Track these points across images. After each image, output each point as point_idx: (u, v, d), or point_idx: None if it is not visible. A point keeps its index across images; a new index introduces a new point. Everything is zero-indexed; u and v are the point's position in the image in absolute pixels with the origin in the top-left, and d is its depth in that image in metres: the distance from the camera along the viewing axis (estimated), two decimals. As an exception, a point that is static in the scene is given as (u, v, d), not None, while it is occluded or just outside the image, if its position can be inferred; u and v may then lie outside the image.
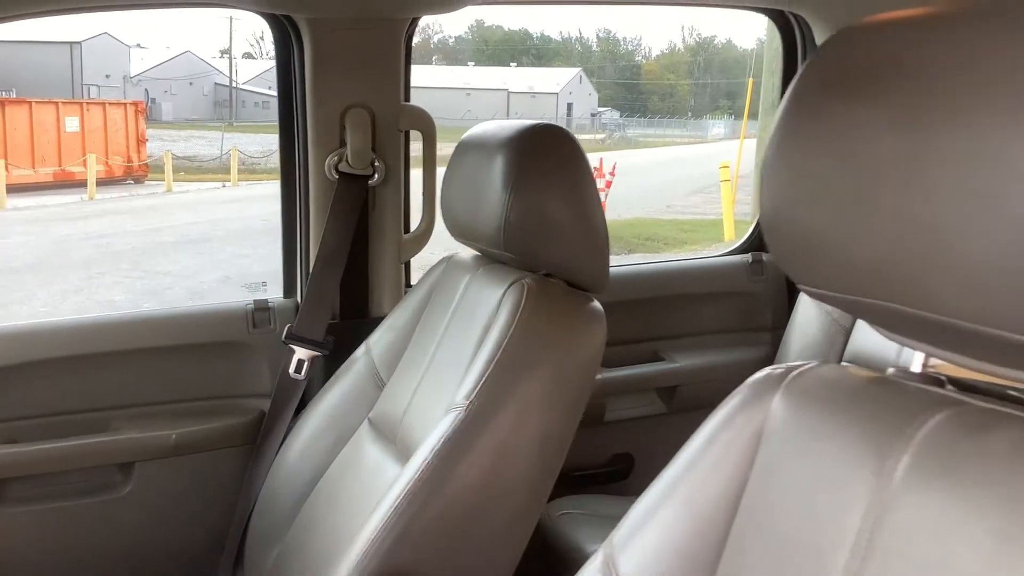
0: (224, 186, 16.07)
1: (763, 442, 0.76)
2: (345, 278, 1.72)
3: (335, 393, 1.59)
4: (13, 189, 13.36)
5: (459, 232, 1.48)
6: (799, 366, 0.78)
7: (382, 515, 1.22)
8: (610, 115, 43.90)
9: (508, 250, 1.34)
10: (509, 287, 1.34)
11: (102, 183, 15.12)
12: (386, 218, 1.76)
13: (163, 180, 15.66)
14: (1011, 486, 0.58)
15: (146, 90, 29.65)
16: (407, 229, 1.82)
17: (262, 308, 1.74)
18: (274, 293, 1.82)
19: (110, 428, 1.64)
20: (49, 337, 1.62)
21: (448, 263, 1.56)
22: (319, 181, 1.71)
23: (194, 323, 1.72)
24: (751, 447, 0.77)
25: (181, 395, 1.70)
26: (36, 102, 15.31)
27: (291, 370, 1.65)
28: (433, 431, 1.26)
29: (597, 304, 1.38)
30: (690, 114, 52.24)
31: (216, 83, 34.58)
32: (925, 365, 0.74)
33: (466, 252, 1.55)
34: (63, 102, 16.14)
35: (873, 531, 0.64)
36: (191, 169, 17.48)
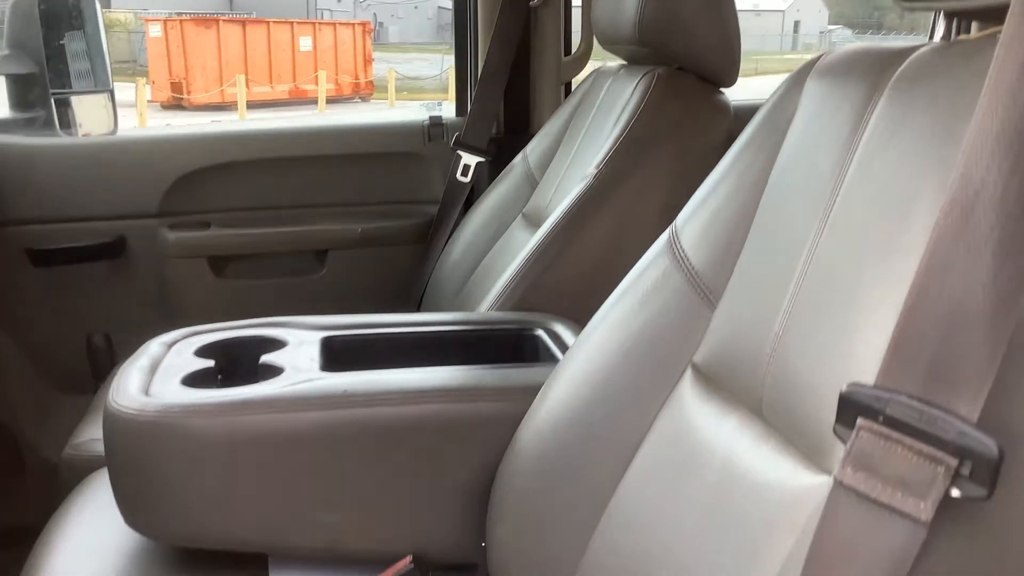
0: (440, 105, 16.71)
1: (793, 123, 0.87)
2: (508, 96, 1.91)
3: (495, 195, 1.79)
4: (252, 104, 14.52)
5: (604, 38, 1.62)
6: (831, 52, 0.88)
7: (517, 265, 1.41)
8: (841, 33, 41.57)
9: (643, 43, 1.47)
10: (642, 77, 1.48)
11: (331, 100, 16.12)
12: (546, 39, 1.93)
13: (387, 99, 16.48)
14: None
15: (374, 14, 30.95)
16: (568, 52, 1.98)
17: (436, 124, 1.97)
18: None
19: (307, 221, 1.93)
20: (259, 141, 1.91)
21: (596, 73, 1.71)
22: (486, 4, 1.89)
23: (379, 135, 1.97)
24: (784, 128, 0.88)
25: (365, 198, 1.96)
26: (273, 22, 16.44)
27: (458, 175, 1.86)
28: (566, 199, 1.43)
29: (725, 97, 1.49)
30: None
31: (439, 7, 35.53)
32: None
33: (614, 62, 1.69)
34: (298, 22, 17.22)
35: (843, 171, 0.75)
36: (413, 88, 18.25)
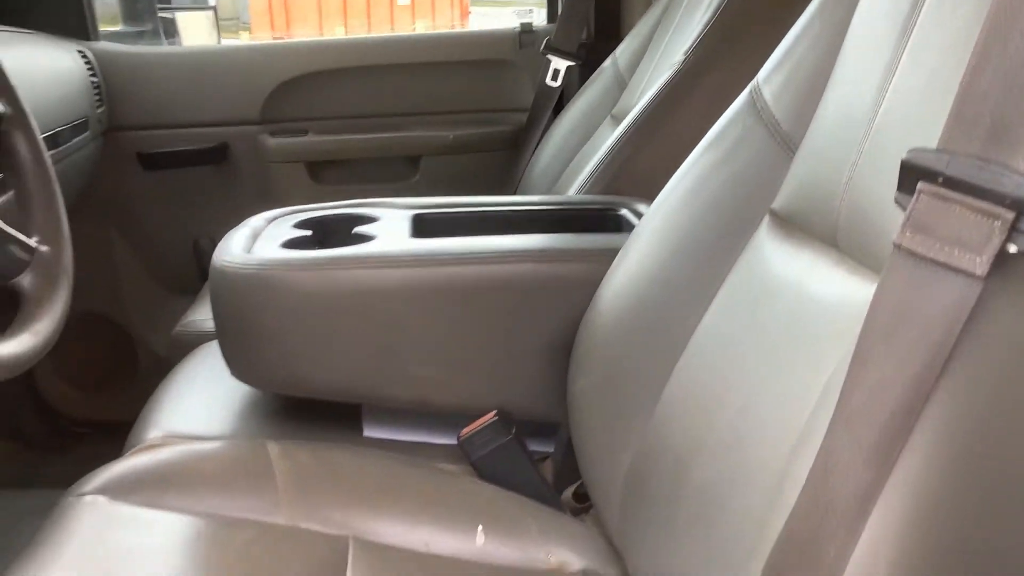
0: (531, 11, 16.68)
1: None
2: (599, 4, 1.92)
3: (584, 98, 1.80)
4: (352, 56, 14.69)
5: None
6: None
7: (604, 151, 1.43)
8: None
9: None
10: (731, -30, 1.46)
11: (428, 51, 16.17)
12: (636, -59, 1.93)
13: (483, 51, 16.48)
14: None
15: (470, -33, 30.86)
16: (657, -43, 1.97)
17: (527, 31, 1.98)
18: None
19: (401, 128, 1.98)
20: (355, 49, 1.96)
21: None
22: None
23: (471, 42, 2.00)
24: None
25: (457, 105, 2.00)
26: (372, -25, 16.54)
27: (548, 79, 1.88)
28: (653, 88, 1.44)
29: None
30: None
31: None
32: None
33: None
34: (395, -26, 17.30)
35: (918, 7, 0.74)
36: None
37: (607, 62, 1.79)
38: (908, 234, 0.52)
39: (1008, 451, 0.51)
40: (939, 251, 0.51)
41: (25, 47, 1.58)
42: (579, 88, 1.84)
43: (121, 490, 0.94)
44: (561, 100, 1.89)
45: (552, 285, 1.08)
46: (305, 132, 1.95)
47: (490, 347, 1.08)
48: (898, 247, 0.53)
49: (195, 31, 2.14)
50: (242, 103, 1.92)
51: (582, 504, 1.08)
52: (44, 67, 1.60)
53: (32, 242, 0.86)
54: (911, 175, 0.53)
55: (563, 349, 1.05)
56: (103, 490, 0.94)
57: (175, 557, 0.87)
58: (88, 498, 0.93)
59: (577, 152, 1.74)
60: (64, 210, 0.93)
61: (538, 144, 1.87)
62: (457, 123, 1.99)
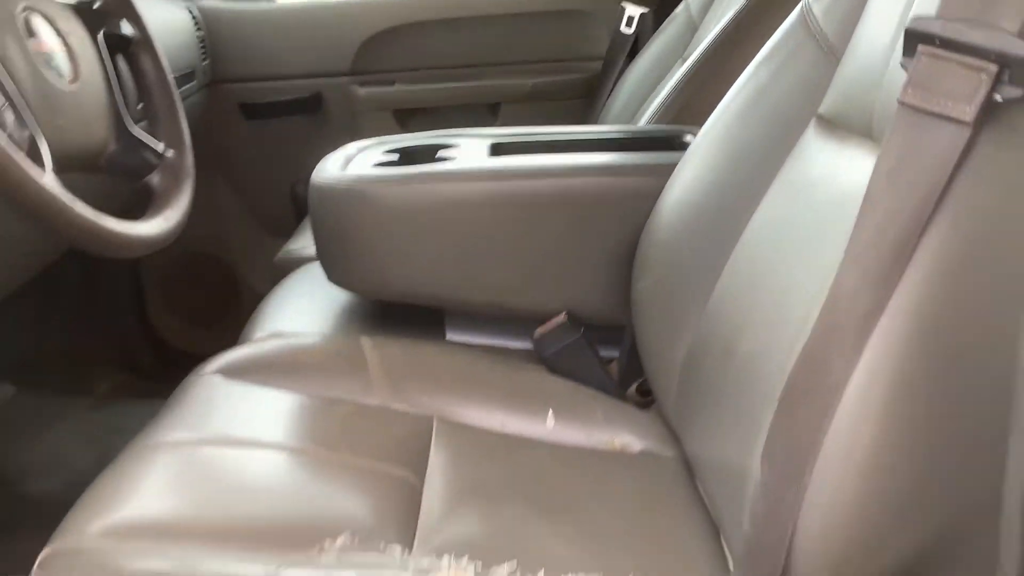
0: None
1: None
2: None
3: (657, 43, 1.88)
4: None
5: None
6: None
7: (672, 83, 1.51)
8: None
9: None
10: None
11: None
12: None
13: None
14: None
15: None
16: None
17: (603, -21, 2.07)
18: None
19: (482, 78, 2.08)
20: (432, 3, 2.07)
21: None
22: None
23: (549, -7, 2.10)
24: None
25: (535, 55, 2.10)
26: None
27: (622, 26, 1.96)
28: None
29: None
30: None
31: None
32: None
33: None
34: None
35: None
36: None
37: (679, 7, 1.86)
38: (910, 91, 0.61)
39: (992, 272, 0.59)
40: (935, 104, 0.59)
41: (138, 3, 1.73)
42: (652, 34, 1.92)
43: (235, 371, 1.08)
44: (636, 47, 1.97)
45: (616, 197, 1.17)
46: (392, 82, 2.08)
47: (560, 255, 1.18)
48: (902, 104, 0.61)
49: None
50: (334, 56, 2.05)
51: (645, 398, 1.18)
52: (155, 21, 1.74)
53: (160, 147, 1.00)
54: (912, 40, 0.61)
55: (627, 256, 1.14)
56: (220, 371, 1.08)
57: (282, 422, 1.00)
58: (207, 376, 1.07)
59: (648, 95, 1.82)
60: (185, 122, 1.06)
61: (612, 90, 1.95)
62: (534, 72, 2.09)
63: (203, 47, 1.93)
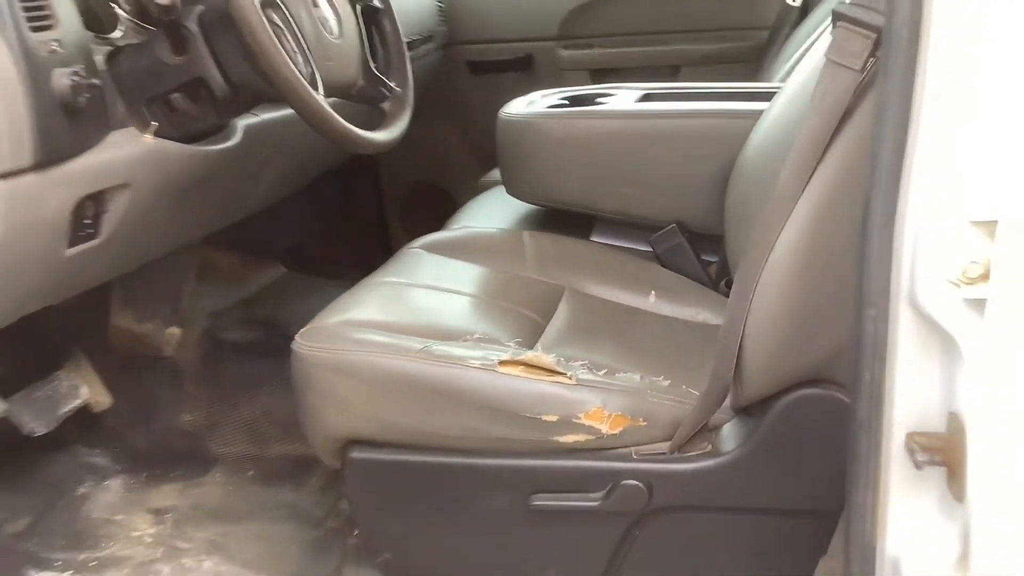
0: None
1: None
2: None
3: (822, 11, 2.16)
4: None
5: None
6: None
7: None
8: None
9: None
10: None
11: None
12: None
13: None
14: None
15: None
16: None
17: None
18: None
19: (665, 44, 2.45)
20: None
21: None
22: None
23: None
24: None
25: (710, 24, 2.43)
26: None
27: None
28: None
29: None
30: None
31: None
32: None
33: None
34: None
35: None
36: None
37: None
38: (831, 51, 0.95)
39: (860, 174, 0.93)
40: (843, 59, 0.94)
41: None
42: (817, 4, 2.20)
43: (432, 247, 1.54)
44: (803, 16, 2.26)
45: (717, 135, 1.53)
46: (591, 46, 2.48)
47: (674, 177, 1.55)
48: (826, 58, 0.96)
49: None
50: (544, 23, 2.48)
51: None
52: (405, -6, 2.24)
53: (392, 85, 1.46)
54: (835, 18, 0.95)
55: (724, 180, 1.50)
56: (422, 247, 1.55)
57: (460, 278, 1.45)
58: (414, 249, 1.54)
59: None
60: (409, 66, 1.52)
61: (778, 55, 2.25)
62: (709, 39, 2.42)
63: (441, 16, 2.42)
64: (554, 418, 1.11)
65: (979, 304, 0.79)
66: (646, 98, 1.70)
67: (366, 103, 1.46)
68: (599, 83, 2.48)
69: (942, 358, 0.85)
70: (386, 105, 1.46)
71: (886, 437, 0.91)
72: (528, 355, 1.15)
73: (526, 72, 2.52)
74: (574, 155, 1.59)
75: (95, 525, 1.56)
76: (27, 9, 1.07)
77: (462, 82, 2.54)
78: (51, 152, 1.09)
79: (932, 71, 0.79)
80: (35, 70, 1.06)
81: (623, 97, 1.69)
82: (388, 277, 1.43)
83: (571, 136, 1.60)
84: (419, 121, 2.34)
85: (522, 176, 1.65)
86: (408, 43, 2.16)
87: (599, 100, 1.69)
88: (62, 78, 1.09)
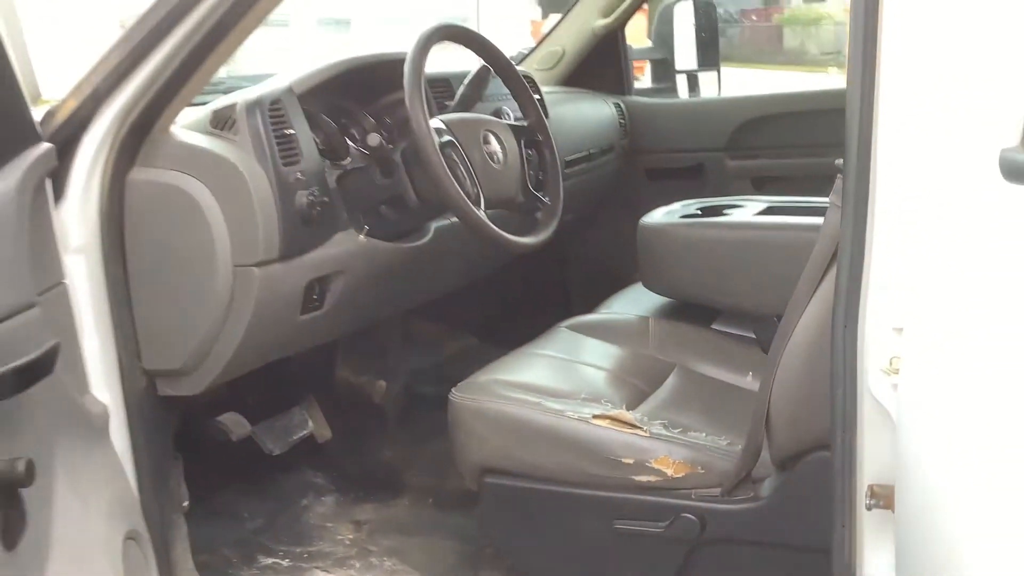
0: None
1: None
2: None
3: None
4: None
5: None
6: None
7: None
8: None
9: None
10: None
11: None
12: None
13: None
14: None
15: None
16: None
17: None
18: None
19: (819, 155, 2.72)
20: (789, 100, 2.76)
21: None
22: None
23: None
24: None
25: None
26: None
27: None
28: None
29: None
30: None
31: None
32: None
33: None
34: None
35: None
36: None
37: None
38: (832, 194, 1.27)
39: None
40: (836, 199, 1.25)
41: (579, 100, 2.68)
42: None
43: (575, 326, 1.93)
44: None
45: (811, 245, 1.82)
46: (756, 156, 2.80)
47: (776, 276, 1.85)
48: (830, 200, 1.28)
49: (703, 85, 3.12)
50: (714, 136, 2.82)
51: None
52: (588, 113, 2.68)
53: (545, 199, 1.88)
54: (837, 170, 1.27)
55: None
56: (568, 327, 1.94)
57: (591, 352, 1.82)
58: (562, 328, 1.94)
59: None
60: (561, 183, 1.93)
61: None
62: None
63: (623, 130, 2.83)
64: (631, 461, 1.46)
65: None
66: (768, 210, 2.02)
67: (524, 213, 1.88)
68: (761, 191, 2.80)
69: (889, 427, 1.14)
70: (539, 215, 1.88)
71: (857, 487, 1.20)
72: (615, 412, 1.51)
73: (696, 179, 2.86)
74: (698, 257, 1.94)
75: (310, 528, 2.04)
76: (282, 150, 1.58)
77: (639, 186, 2.92)
78: (292, 248, 1.58)
79: (880, 213, 1.10)
80: (284, 193, 1.56)
81: (747, 209, 2.02)
82: (534, 348, 1.83)
83: (695, 241, 1.95)
84: (602, 217, 2.74)
85: (656, 273, 2.01)
86: (591, 153, 2.60)
87: (726, 211, 2.02)
88: (302, 198, 1.59)
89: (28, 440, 1.13)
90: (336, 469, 2.22)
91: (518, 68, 1.97)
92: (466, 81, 1.97)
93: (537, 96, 2.25)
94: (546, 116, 2.17)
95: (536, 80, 2.74)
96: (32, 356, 1.10)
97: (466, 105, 1.95)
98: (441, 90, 2.07)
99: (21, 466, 1.06)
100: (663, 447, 1.45)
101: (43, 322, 1.20)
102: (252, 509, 2.07)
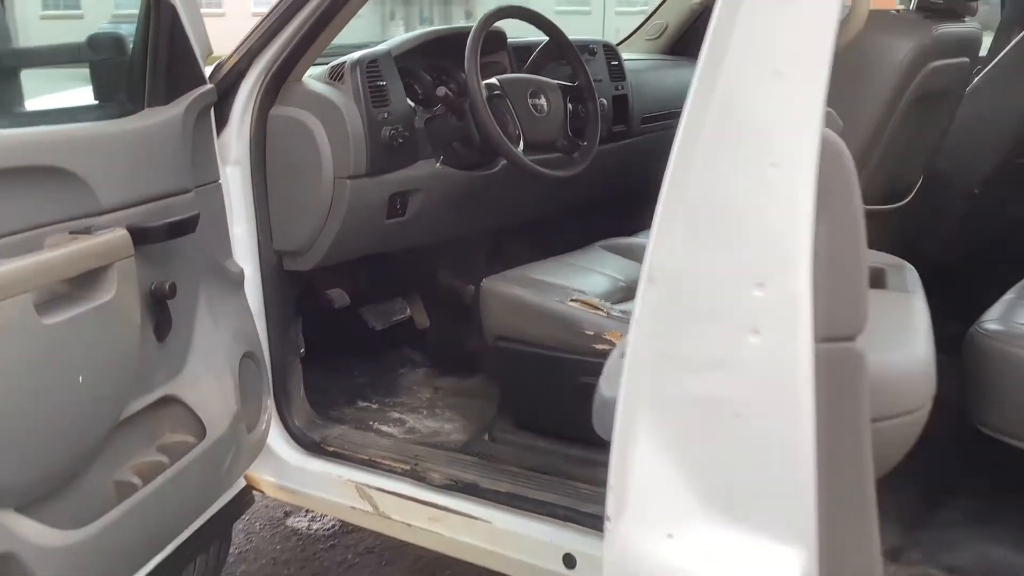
0: None
1: None
2: None
3: None
4: None
5: None
6: None
7: None
8: None
9: None
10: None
11: None
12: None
13: None
14: None
15: None
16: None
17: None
18: None
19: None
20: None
21: None
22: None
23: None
24: None
25: None
26: None
27: None
28: None
29: None
30: None
31: None
32: None
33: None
34: None
35: None
36: None
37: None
38: None
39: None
40: None
41: (669, 67, 3.14)
42: None
43: (606, 246, 2.45)
44: None
45: None
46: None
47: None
48: None
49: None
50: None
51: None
52: (671, 78, 3.14)
53: (583, 143, 2.41)
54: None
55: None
56: (601, 245, 2.46)
57: (604, 264, 2.34)
58: (594, 245, 2.46)
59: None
60: (597, 134, 2.44)
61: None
62: None
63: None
64: (591, 333, 1.98)
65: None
66: None
67: (565, 153, 2.43)
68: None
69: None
70: (576, 154, 2.41)
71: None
72: (587, 298, 2.04)
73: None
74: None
75: (400, 388, 2.69)
76: (374, 96, 2.20)
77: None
78: (376, 168, 2.20)
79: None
80: (373, 127, 2.18)
81: None
82: (565, 257, 2.36)
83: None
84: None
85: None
86: (671, 112, 3.07)
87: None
88: (387, 132, 2.20)
89: (177, 273, 1.81)
90: (429, 350, 2.86)
91: (597, 39, 2.51)
92: (536, 51, 2.54)
93: (615, 62, 2.78)
94: (623, 79, 2.70)
95: (640, 49, 3.27)
96: (179, 218, 1.77)
97: (534, 68, 2.52)
98: (524, 55, 2.64)
99: (167, 286, 1.73)
100: (616, 324, 1.97)
101: (194, 203, 1.88)
102: (361, 370, 2.74)
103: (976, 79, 2.42)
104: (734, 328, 0.81)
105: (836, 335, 0.83)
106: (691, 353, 0.82)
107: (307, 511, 2.95)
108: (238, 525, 2.89)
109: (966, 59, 1.88)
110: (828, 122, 0.88)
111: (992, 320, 1.70)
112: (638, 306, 0.89)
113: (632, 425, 0.84)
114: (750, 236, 0.81)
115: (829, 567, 0.79)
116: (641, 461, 0.83)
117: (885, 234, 2.03)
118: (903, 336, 0.92)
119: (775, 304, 0.79)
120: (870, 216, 1.87)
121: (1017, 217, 2.37)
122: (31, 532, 1.37)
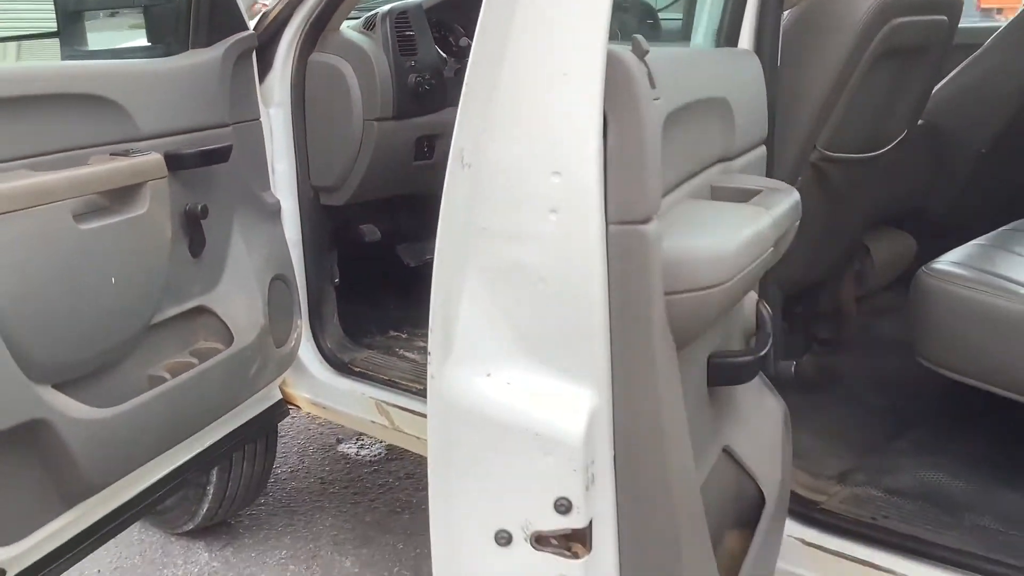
0: None
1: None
2: None
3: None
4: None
5: None
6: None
7: None
8: None
9: None
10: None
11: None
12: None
13: None
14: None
15: None
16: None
17: None
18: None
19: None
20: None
21: None
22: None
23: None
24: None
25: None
26: None
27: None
28: None
29: None
30: None
31: None
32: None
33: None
34: None
35: None
36: None
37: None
38: None
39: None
40: None
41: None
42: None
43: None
44: None
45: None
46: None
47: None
48: None
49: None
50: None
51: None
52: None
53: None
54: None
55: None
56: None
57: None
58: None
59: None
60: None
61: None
62: None
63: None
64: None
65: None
66: None
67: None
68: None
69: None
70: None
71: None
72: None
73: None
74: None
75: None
76: (402, 46, 2.38)
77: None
78: (402, 112, 2.39)
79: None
80: (400, 74, 2.36)
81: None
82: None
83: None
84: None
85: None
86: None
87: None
88: (413, 79, 2.39)
89: (212, 199, 2.02)
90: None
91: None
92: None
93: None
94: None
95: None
96: (212, 147, 1.99)
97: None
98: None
99: (200, 207, 1.95)
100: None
101: (230, 136, 2.09)
102: (397, 304, 2.95)
103: (989, 39, 2.43)
104: (536, 207, 0.97)
105: (627, 219, 0.99)
106: (500, 226, 0.99)
107: (357, 438, 3.18)
108: (292, 447, 3.15)
109: (943, 17, 1.90)
110: (634, 47, 1.02)
111: (941, 261, 1.78)
112: (448, 184, 1.07)
113: (453, 283, 1.01)
114: (545, 132, 0.97)
115: (623, 408, 0.96)
116: (464, 314, 1.00)
117: (870, 180, 2.11)
118: (720, 230, 1.05)
119: (570, 190, 0.95)
120: (845, 163, 1.95)
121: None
122: (64, 405, 1.60)
